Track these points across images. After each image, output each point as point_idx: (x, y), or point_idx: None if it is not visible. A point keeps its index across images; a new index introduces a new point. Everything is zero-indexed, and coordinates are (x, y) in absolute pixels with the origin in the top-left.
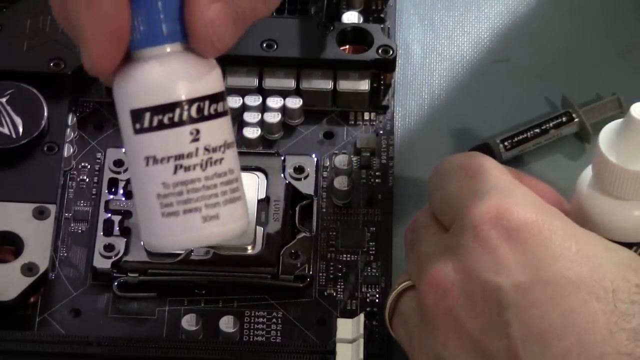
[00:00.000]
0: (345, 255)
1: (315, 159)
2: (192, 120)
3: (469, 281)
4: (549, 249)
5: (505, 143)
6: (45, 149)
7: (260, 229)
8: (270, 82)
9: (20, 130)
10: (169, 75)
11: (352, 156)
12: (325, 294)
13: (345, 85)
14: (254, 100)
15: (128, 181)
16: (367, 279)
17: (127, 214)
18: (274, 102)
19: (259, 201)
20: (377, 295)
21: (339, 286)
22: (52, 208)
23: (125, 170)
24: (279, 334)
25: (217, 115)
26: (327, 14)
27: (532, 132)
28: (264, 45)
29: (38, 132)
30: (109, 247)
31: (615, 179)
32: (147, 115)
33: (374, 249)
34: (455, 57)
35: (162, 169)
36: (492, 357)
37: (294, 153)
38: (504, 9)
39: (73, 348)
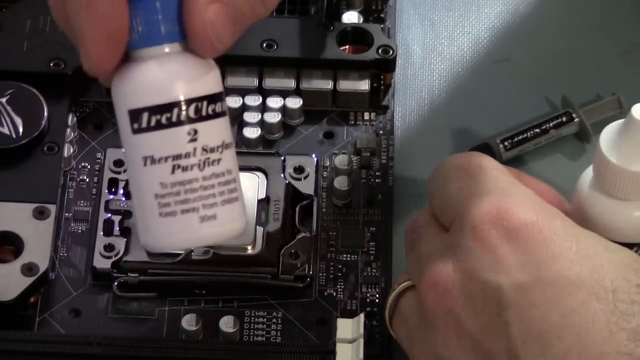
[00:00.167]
0: (345, 255)
1: (315, 159)
2: (190, 121)
3: (469, 281)
4: (549, 249)
5: (505, 143)
6: (45, 149)
7: (260, 229)
8: (270, 82)
9: (20, 130)
10: (167, 75)
11: (352, 156)
12: (325, 294)
13: (345, 85)
14: (254, 100)
15: (128, 181)
16: (367, 279)
17: (127, 214)
18: (274, 102)
19: (259, 201)
20: (377, 295)
21: (339, 286)
22: (52, 208)
23: (126, 170)
24: (279, 334)
25: (215, 115)
26: (327, 14)
27: (532, 132)
28: (264, 45)
29: (38, 132)
30: (109, 247)
31: (616, 180)
32: (145, 115)
33: (374, 249)
34: (455, 57)
35: (160, 169)
36: (492, 357)
37: (294, 153)
38: (504, 9)
39: (73, 348)
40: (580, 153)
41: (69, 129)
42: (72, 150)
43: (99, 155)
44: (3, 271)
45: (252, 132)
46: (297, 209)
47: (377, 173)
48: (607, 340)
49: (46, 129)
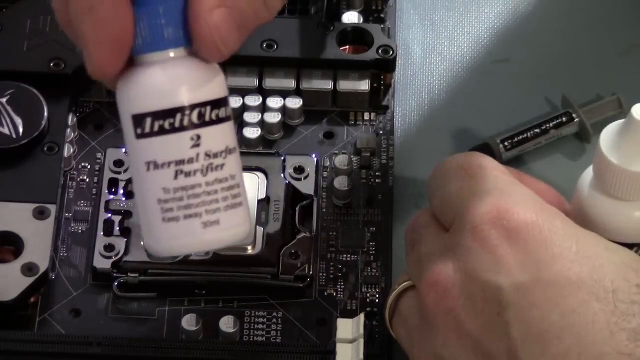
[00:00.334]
0: (345, 255)
1: (315, 159)
2: (193, 126)
3: (469, 281)
4: (549, 249)
5: (505, 143)
6: (45, 149)
7: (260, 229)
8: (270, 82)
9: (20, 130)
10: (170, 80)
11: (352, 156)
12: (325, 294)
13: (345, 85)
14: (254, 100)
15: (128, 181)
16: (367, 279)
17: (127, 214)
18: (274, 102)
19: (259, 201)
20: (377, 295)
21: (339, 286)
22: (52, 208)
23: (126, 170)
24: (279, 334)
25: (219, 120)
26: (327, 14)
27: (532, 132)
28: (264, 45)
29: (38, 132)
30: (109, 247)
31: (616, 180)
32: (148, 120)
33: (374, 249)
34: (455, 57)
35: (163, 174)
36: (492, 357)
37: (294, 153)
38: (504, 9)
39: (73, 348)
40: (580, 153)
41: (69, 129)
42: (72, 150)
43: (99, 155)
44: (3, 271)
45: (252, 132)
46: (297, 209)
47: (377, 173)
48: (607, 340)
49: (46, 129)
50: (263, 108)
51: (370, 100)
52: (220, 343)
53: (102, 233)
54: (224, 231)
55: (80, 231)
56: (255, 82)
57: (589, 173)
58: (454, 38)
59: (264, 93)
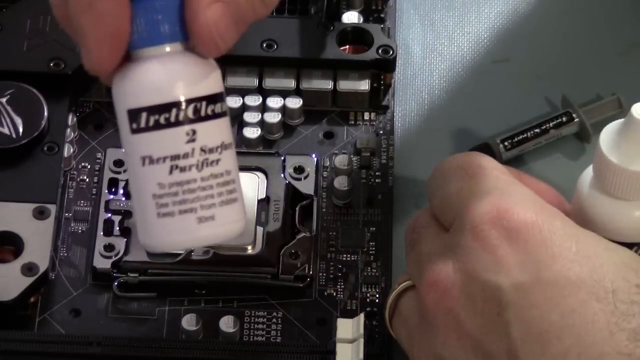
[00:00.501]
0: (345, 255)
1: (315, 159)
2: (189, 121)
3: (469, 281)
4: (549, 249)
5: (505, 143)
6: (45, 149)
7: (260, 229)
8: (270, 82)
9: (20, 130)
10: (166, 75)
11: (352, 156)
12: (325, 294)
13: (345, 85)
14: (254, 100)
15: (128, 181)
16: (367, 279)
17: (127, 214)
18: (274, 102)
19: (259, 201)
20: (377, 295)
21: (339, 286)
22: (52, 208)
23: (126, 170)
24: (279, 334)
25: (215, 116)
26: (327, 14)
27: (532, 132)
28: (264, 45)
29: (38, 132)
30: (109, 247)
31: (616, 180)
32: (144, 115)
33: (374, 249)
34: (455, 57)
35: (158, 169)
36: (492, 357)
37: (294, 153)
38: (504, 9)
39: (73, 348)
40: (580, 153)
41: (69, 129)
42: (72, 150)
43: (99, 155)
44: (3, 271)
45: (252, 132)
46: (297, 209)
47: (377, 173)
48: (607, 340)
49: (46, 129)
50: (263, 108)
51: (370, 100)
52: (220, 343)
53: (102, 233)
54: (220, 227)
55: (80, 231)
56: (255, 82)
57: (589, 173)
58: (454, 38)
59: (264, 93)
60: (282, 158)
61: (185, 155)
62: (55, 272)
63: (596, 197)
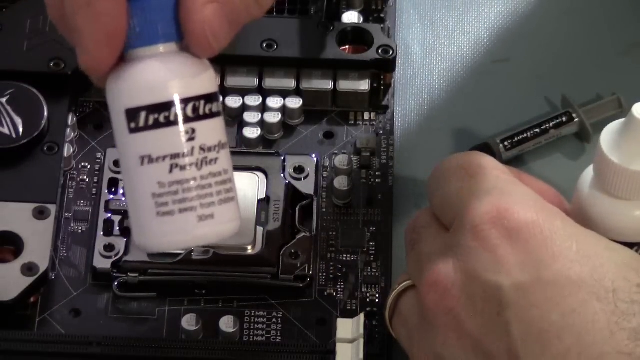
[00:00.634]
0: (345, 255)
1: (315, 159)
2: (188, 120)
3: (469, 281)
4: (550, 249)
5: (505, 143)
6: (45, 149)
7: (260, 229)
8: (270, 82)
9: (20, 130)
10: (166, 74)
11: (352, 156)
12: (325, 294)
13: (345, 85)
14: (254, 100)
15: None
16: (367, 279)
17: (127, 214)
18: (274, 102)
19: (259, 201)
20: (377, 295)
21: (339, 286)
22: (52, 208)
23: None
24: (279, 334)
25: (212, 115)
26: (327, 14)
27: (532, 132)
28: (264, 45)
29: (38, 132)
30: (109, 247)
31: (617, 179)
32: (143, 114)
33: (374, 249)
34: (455, 57)
35: (158, 168)
36: (493, 356)
37: (294, 153)
38: (504, 9)
39: (73, 348)
40: (580, 153)
41: (69, 129)
42: (72, 150)
43: (99, 155)
44: (3, 271)
45: (252, 132)
46: (297, 209)
47: (377, 173)
48: (607, 340)
49: (46, 129)
50: (263, 108)
51: (370, 100)
52: (220, 343)
53: (102, 233)
54: (219, 225)
55: (80, 231)
56: (255, 82)
57: (589, 172)
58: (454, 38)
59: (264, 93)
60: (282, 158)
61: (185, 154)
62: (55, 272)
63: (597, 196)
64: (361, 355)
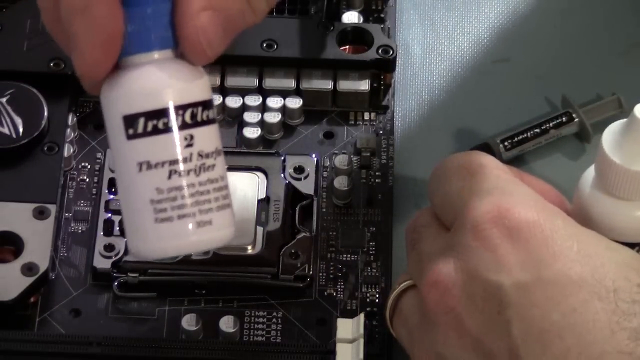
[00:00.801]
0: (345, 255)
1: (315, 159)
2: (186, 126)
3: (470, 280)
4: (550, 248)
5: (506, 143)
6: (45, 149)
7: (260, 229)
8: (270, 82)
9: (20, 130)
10: (165, 80)
11: (352, 156)
12: (325, 294)
13: (345, 85)
14: (254, 100)
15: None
16: (367, 279)
17: None
18: (274, 102)
19: (259, 201)
20: (377, 295)
21: (339, 286)
22: (52, 208)
23: None
24: (279, 334)
25: (209, 122)
26: (327, 14)
27: (532, 132)
28: (264, 45)
29: (38, 132)
30: (109, 247)
31: (619, 180)
32: (141, 120)
33: (374, 249)
34: (455, 57)
35: (156, 174)
36: (493, 356)
37: (294, 153)
38: (504, 9)
39: (73, 348)
40: (580, 153)
41: (69, 129)
42: (72, 150)
43: (99, 155)
44: (3, 271)
45: (252, 132)
46: (297, 209)
47: (377, 173)
48: (608, 339)
49: (46, 129)
50: (263, 108)
51: (370, 100)
52: (220, 343)
53: (102, 233)
54: (216, 231)
55: (80, 231)
56: (255, 82)
57: (590, 173)
58: (454, 38)
59: (264, 93)
60: (282, 158)
61: (184, 160)
62: (55, 272)
63: (598, 197)
64: (361, 355)
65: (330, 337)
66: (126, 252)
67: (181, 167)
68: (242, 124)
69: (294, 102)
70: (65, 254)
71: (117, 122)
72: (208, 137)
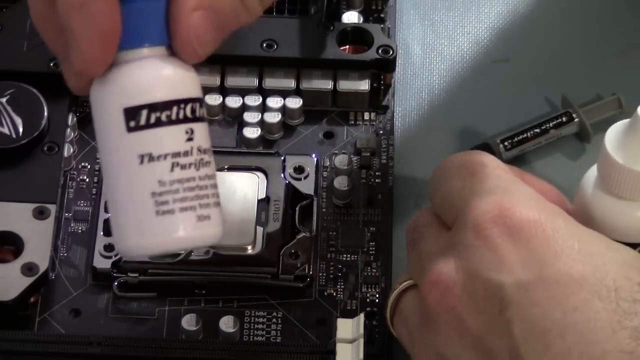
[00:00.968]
0: (345, 255)
1: (315, 159)
2: (188, 120)
3: (471, 279)
4: (551, 248)
5: (506, 143)
6: (45, 149)
7: (260, 229)
8: (270, 82)
9: (20, 130)
10: (168, 73)
11: (352, 156)
12: (325, 294)
13: (345, 85)
14: (254, 100)
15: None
16: (367, 279)
17: None
18: (274, 102)
19: (259, 201)
20: (377, 295)
21: (339, 286)
22: (52, 208)
23: None
24: (279, 334)
25: (204, 119)
26: (327, 14)
27: (532, 132)
28: (264, 45)
29: (38, 132)
30: (109, 247)
31: (622, 180)
32: (144, 112)
33: (374, 249)
34: (455, 57)
35: (159, 167)
36: (494, 355)
37: (294, 153)
38: (504, 9)
39: (73, 348)
40: (580, 153)
41: (69, 129)
42: (72, 150)
43: (99, 155)
44: (3, 271)
45: (252, 132)
46: (297, 209)
47: (377, 173)
48: (609, 338)
49: (46, 129)
50: (263, 108)
51: (370, 100)
52: (220, 343)
53: (102, 233)
54: (214, 227)
55: (80, 231)
56: (255, 82)
57: (592, 173)
58: (454, 38)
59: (264, 93)
60: (282, 158)
61: (185, 153)
62: (55, 272)
63: (600, 197)
64: (361, 355)
65: (330, 337)
66: None
67: (183, 160)
68: (242, 124)
69: (294, 102)
70: (65, 254)
71: (115, 115)
72: (204, 134)
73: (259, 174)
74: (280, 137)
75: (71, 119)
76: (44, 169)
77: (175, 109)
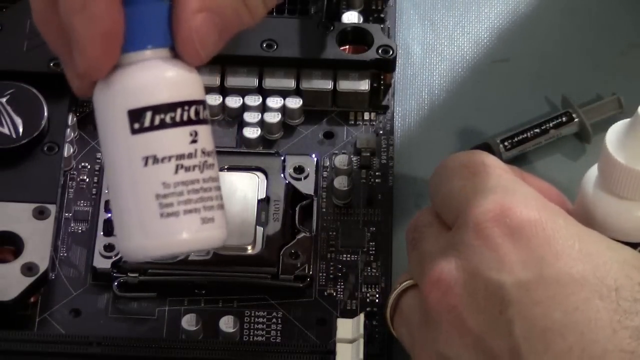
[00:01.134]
0: (345, 255)
1: (315, 159)
2: (192, 122)
3: (471, 279)
4: (552, 247)
5: (506, 143)
6: (45, 149)
7: (260, 229)
8: (270, 82)
9: (20, 130)
10: (173, 74)
11: (352, 156)
12: (325, 294)
13: (345, 85)
14: (254, 100)
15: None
16: (367, 279)
17: None
18: (274, 102)
19: (259, 201)
20: (377, 295)
21: (339, 286)
22: (52, 208)
23: None
24: (279, 334)
25: (207, 121)
26: (327, 14)
27: (532, 132)
28: (264, 45)
29: (38, 132)
30: (109, 247)
31: (623, 180)
32: (149, 114)
33: (374, 249)
34: (455, 57)
35: (163, 169)
36: (495, 355)
37: (294, 153)
38: (504, 9)
39: (73, 348)
40: (580, 153)
41: (69, 129)
42: (72, 150)
43: (99, 155)
44: (3, 271)
45: (252, 132)
46: (297, 209)
47: (377, 173)
48: (609, 338)
49: (46, 129)
50: (263, 108)
51: (370, 100)
52: (220, 343)
53: (102, 233)
54: (218, 229)
55: (80, 231)
56: (255, 82)
57: (593, 172)
58: (454, 38)
59: (264, 93)
60: (282, 158)
61: (190, 156)
62: (55, 272)
63: (601, 196)
64: (361, 355)
65: (330, 337)
66: None
67: (188, 162)
68: (242, 124)
69: (294, 102)
70: (65, 254)
71: (119, 116)
72: (208, 136)
73: (259, 174)
74: (280, 137)
75: (71, 119)
76: (44, 169)
77: (179, 111)
